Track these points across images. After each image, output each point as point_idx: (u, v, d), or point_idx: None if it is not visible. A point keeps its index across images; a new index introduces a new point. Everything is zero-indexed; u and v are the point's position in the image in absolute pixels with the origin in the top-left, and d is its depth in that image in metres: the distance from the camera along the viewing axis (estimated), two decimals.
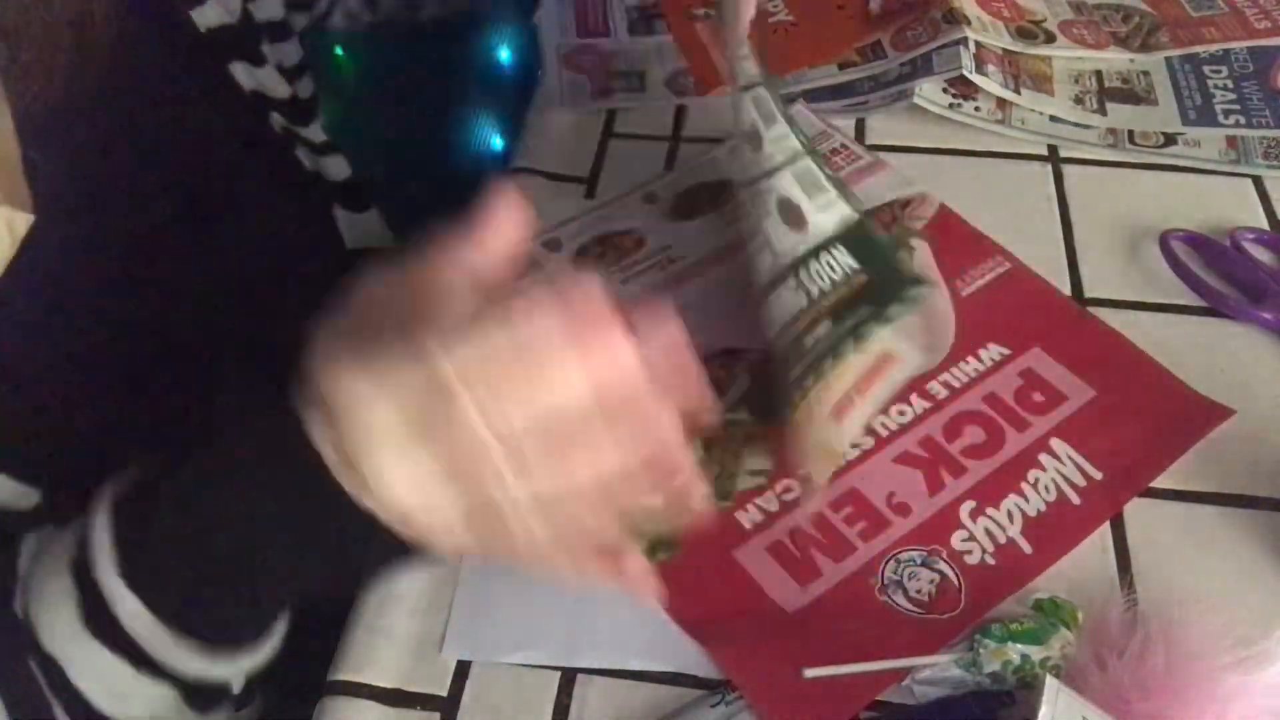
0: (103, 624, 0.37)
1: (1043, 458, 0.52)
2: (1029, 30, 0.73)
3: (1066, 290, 0.60)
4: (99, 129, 0.48)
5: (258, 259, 0.59)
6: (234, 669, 0.40)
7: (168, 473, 0.38)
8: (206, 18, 0.54)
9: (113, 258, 0.50)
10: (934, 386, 0.55)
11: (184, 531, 0.37)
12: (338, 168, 0.65)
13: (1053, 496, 0.50)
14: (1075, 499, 0.50)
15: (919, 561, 0.49)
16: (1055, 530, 0.49)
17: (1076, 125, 0.69)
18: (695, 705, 0.44)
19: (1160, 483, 0.51)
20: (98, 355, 0.49)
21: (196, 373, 0.55)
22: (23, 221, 0.42)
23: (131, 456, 0.50)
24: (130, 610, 0.37)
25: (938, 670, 0.44)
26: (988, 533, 0.49)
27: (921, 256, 0.57)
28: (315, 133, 0.62)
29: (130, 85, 0.49)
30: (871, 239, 0.48)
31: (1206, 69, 0.71)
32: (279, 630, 0.41)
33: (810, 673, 0.44)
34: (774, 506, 0.51)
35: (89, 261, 0.48)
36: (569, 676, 0.46)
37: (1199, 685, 0.41)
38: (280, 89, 0.59)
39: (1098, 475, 0.51)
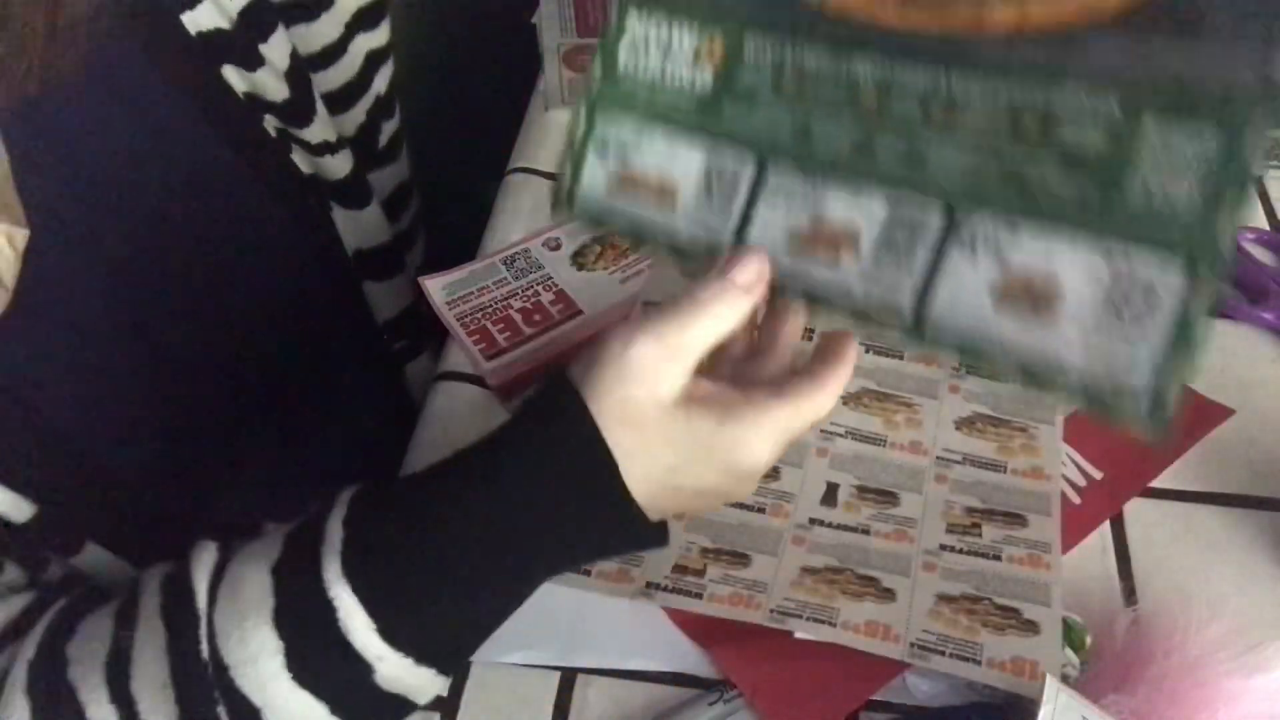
0: (314, 675, 0.37)
1: None
2: None
3: None
4: (79, 140, 0.47)
5: (255, 265, 0.58)
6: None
7: (414, 517, 0.38)
8: (199, 21, 0.53)
9: (108, 269, 0.49)
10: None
11: (451, 578, 0.38)
12: (337, 166, 0.64)
13: None
14: (1075, 499, 0.50)
15: None
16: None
17: None
18: (694, 703, 0.44)
19: (1160, 483, 0.51)
20: (100, 368, 0.48)
21: (194, 382, 0.55)
22: (21, 237, 0.42)
23: (135, 476, 0.49)
24: (392, 665, 0.37)
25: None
26: None
27: None
28: (313, 133, 0.61)
29: (113, 91, 0.48)
30: None
31: None
32: None
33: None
34: None
35: (85, 273, 0.48)
36: (569, 676, 0.46)
37: (1200, 687, 0.40)
38: (277, 91, 0.58)
39: (1098, 475, 0.51)
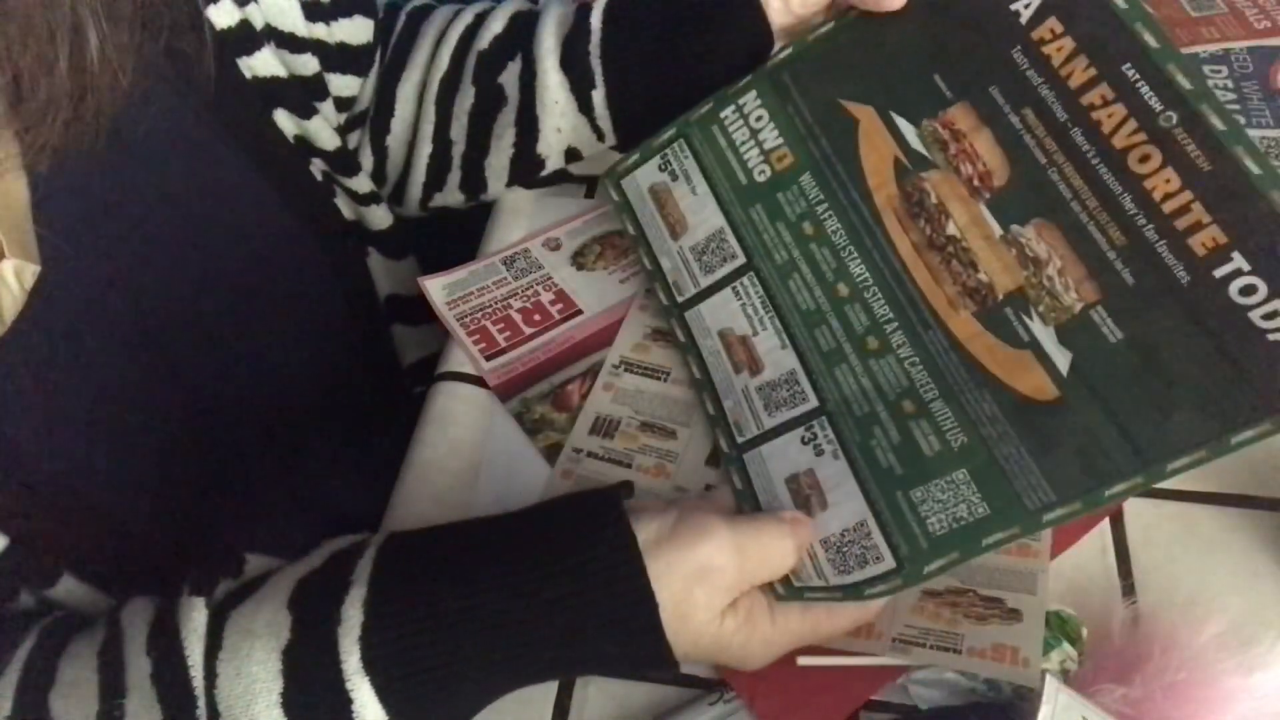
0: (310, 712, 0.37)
1: None
2: None
3: None
4: (112, 176, 0.47)
5: (286, 307, 0.58)
6: None
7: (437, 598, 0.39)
8: (255, 68, 0.53)
9: (131, 308, 0.48)
10: None
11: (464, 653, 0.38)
12: (380, 217, 0.64)
13: None
14: None
15: None
16: (1055, 529, 0.49)
17: None
18: (693, 704, 0.44)
19: (1160, 482, 0.51)
20: (105, 407, 0.47)
21: (207, 423, 0.54)
22: (30, 272, 0.42)
23: (128, 515, 0.48)
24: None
25: (933, 671, 0.44)
26: None
27: None
28: (360, 183, 0.62)
29: (151, 131, 0.47)
30: None
31: (1206, 69, 0.71)
32: None
33: (804, 660, 0.44)
34: None
35: (102, 312, 0.47)
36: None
37: (1200, 687, 0.40)
38: (329, 140, 0.58)
39: None
